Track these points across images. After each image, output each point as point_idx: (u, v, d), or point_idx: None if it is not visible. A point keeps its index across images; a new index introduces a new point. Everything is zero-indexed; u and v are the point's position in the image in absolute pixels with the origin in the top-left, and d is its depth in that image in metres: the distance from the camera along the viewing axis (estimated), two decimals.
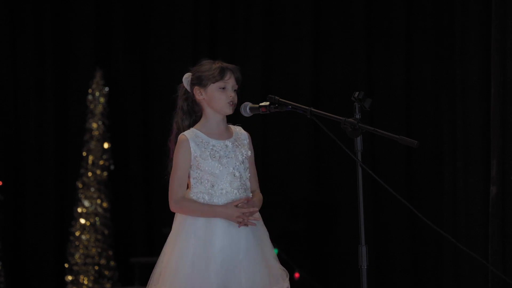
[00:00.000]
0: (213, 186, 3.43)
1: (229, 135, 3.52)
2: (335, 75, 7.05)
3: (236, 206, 3.39)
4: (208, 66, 3.49)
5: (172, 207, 3.47)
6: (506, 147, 5.43)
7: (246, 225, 3.40)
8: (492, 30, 5.53)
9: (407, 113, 6.82)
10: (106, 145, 7.28)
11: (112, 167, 7.32)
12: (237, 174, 3.45)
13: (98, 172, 7.24)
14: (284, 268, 3.50)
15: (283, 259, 6.32)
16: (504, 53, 5.43)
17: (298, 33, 7.16)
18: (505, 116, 5.43)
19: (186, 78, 3.55)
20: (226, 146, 3.47)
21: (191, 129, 3.50)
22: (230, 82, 3.47)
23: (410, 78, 6.82)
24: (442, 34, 6.40)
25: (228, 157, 3.45)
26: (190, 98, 3.54)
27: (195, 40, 7.44)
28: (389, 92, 6.88)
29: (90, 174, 7.23)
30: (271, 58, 7.26)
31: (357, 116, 3.15)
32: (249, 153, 3.53)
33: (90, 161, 7.24)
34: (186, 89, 3.56)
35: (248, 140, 3.56)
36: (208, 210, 3.40)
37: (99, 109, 7.27)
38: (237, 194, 3.44)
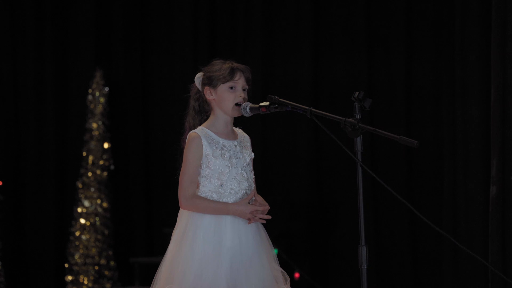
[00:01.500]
0: (222, 185, 3.43)
1: (235, 136, 3.54)
2: (335, 75, 7.05)
3: (248, 203, 3.41)
4: (218, 66, 3.49)
5: (183, 204, 3.45)
6: (506, 147, 5.43)
7: (257, 221, 3.42)
8: (492, 30, 5.54)
9: (407, 113, 6.82)
10: (106, 145, 7.28)
11: (112, 167, 7.32)
12: (245, 175, 3.46)
13: (98, 172, 7.24)
14: (284, 271, 3.50)
15: (283, 259, 6.34)
16: (504, 53, 5.43)
17: (298, 33, 7.16)
18: (505, 116, 5.43)
19: (198, 77, 3.55)
20: (235, 146, 3.49)
21: (201, 127, 3.49)
22: (239, 82, 3.48)
23: (410, 78, 6.82)
24: (442, 34, 6.40)
25: (237, 158, 3.46)
26: (201, 98, 3.54)
27: (195, 40, 7.44)
28: (389, 92, 6.88)
29: (90, 174, 7.23)
30: (271, 58, 7.26)
31: (357, 116, 3.14)
32: (253, 155, 3.56)
33: (90, 161, 7.24)
34: (198, 88, 3.55)
35: (250, 143, 3.58)
36: (221, 208, 3.39)
37: (99, 109, 7.28)
38: (245, 194, 3.45)
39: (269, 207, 3.46)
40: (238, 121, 3.61)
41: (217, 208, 3.40)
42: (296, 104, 3.31)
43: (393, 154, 6.76)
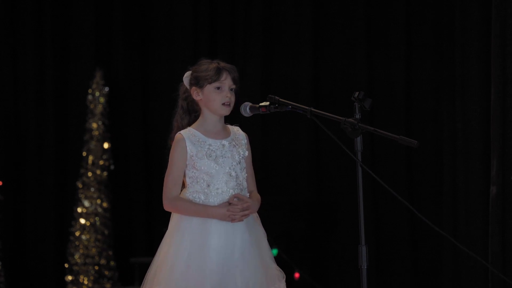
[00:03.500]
0: (208, 185, 3.42)
1: (226, 134, 3.52)
2: (335, 75, 7.05)
3: (230, 204, 3.38)
4: (205, 66, 3.49)
5: (166, 206, 3.46)
6: (506, 147, 5.43)
7: (241, 220, 3.39)
8: (492, 30, 5.54)
9: (407, 113, 6.82)
10: (106, 145, 7.28)
11: (112, 167, 7.32)
12: (233, 174, 3.44)
13: (98, 172, 7.24)
14: (280, 269, 3.49)
15: (283, 259, 6.34)
16: (504, 53, 5.43)
17: (298, 32, 7.16)
18: (505, 116, 5.43)
19: (186, 77, 3.55)
20: (223, 145, 3.47)
21: (188, 128, 3.50)
22: (226, 82, 3.46)
23: (410, 78, 6.82)
24: (442, 34, 6.40)
25: (225, 157, 3.44)
26: (190, 97, 3.54)
27: (195, 40, 7.44)
28: (389, 92, 6.89)
29: (90, 174, 7.23)
30: (271, 58, 7.27)
31: (357, 116, 3.14)
32: (247, 153, 3.53)
33: (90, 161, 7.25)
34: (186, 87, 3.55)
35: (246, 140, 3.56)
36: (201, 210, 3.39)
37: (99, 109, 7.28)
38: (233, 194, 3.42)
39: (250, 204, 3.41)
40: (238, 120, 3.60)
41: (196, 210, 3.40)
42: (296, 104, 3.31)
43: (393, 154, 6.76)
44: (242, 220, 3.40)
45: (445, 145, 6.21)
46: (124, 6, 7.59)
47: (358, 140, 3.15)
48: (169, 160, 3.47)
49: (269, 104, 3.39)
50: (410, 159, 6.78)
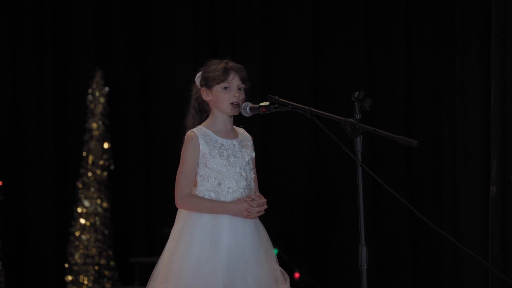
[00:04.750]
0: (220, 184, 3.43)
1: (235, 135, 3.54)
2: (335, 75, 7.05)
3: (248, 199, 3.41)
4: (213, 67, 3.50)
5: (179, 203, 3.46)
6: (506, 147, 5.43)
7: (255, 217, 3.42)
8: (492, 30, 5.54)
9: (407, 113, 6.82)
10: (106, 145, 7.28)
11: (112, 167, 7.32)
12: (243, 174, 3.46)
13: (98, 172, 7.24)
14: (284, 271, 3.50)
15: (283, 259, 6.34)
16: (504, 53, 5.43)
17: (298, 32, 7.17)
18: (505, 116, 5.43)
19: (198, 77, 3.56)
20: (234, 145, 3.49)
21: (199, 126, 3.51)
22: (234, 82, 3.48)
23: (410, 78, 6.82)
24: (442, 34, 6.41)
25: (236, 157, 3.47)
26: (201, 97, 3.55)
27: (195, 40, 7.44)
28: (389, 92, 6.89)
29: (90, 174, 7.23)
30: (271, 58, 7.26)
31: (357, 116, 3.15)
32: (253, 154, 3.56)
33: (90, 161, 7.24)
34: (198, 88, 3.56)
35: (251, 142, 3.58)
36: (217, 207, 3.40)
37: (99, 109, 7.28)
38: (243, 193, 3.45)
39: (265, 201, 3.46)
40: (240, 121, 3.61)
41: (212, 207, 3.40)
42: (296, 104, 3.32)
43: (393, 154, 6.76)
44: (256, 217, 3.43)
45: (445, 145, 6.21)
46: (124, 6, 7.59)
47: (358, 140, 3.15)
48: (182, 157, 3.47)
49: (269, 104, 3.40)
50: (410, 159, 6.78)
